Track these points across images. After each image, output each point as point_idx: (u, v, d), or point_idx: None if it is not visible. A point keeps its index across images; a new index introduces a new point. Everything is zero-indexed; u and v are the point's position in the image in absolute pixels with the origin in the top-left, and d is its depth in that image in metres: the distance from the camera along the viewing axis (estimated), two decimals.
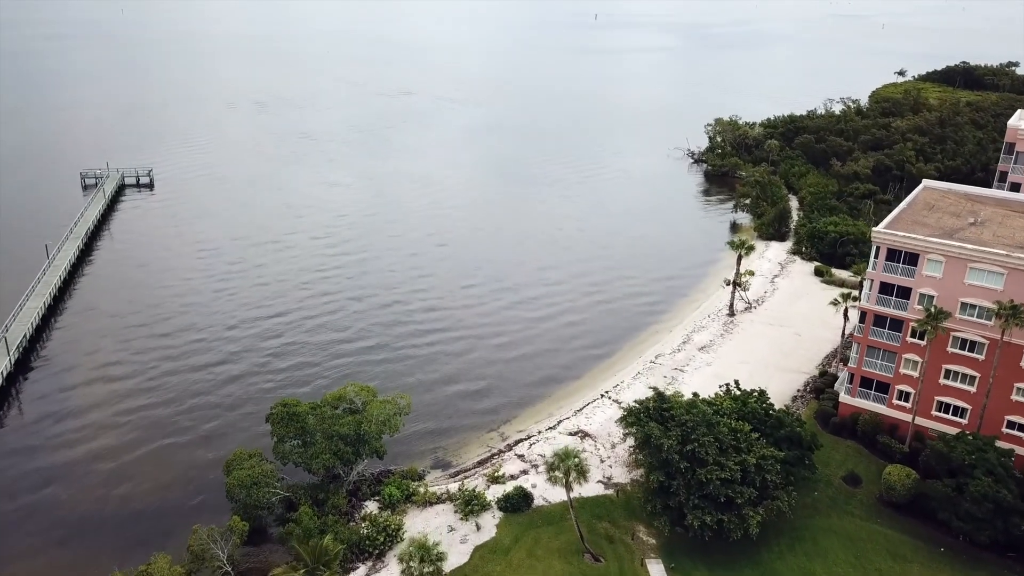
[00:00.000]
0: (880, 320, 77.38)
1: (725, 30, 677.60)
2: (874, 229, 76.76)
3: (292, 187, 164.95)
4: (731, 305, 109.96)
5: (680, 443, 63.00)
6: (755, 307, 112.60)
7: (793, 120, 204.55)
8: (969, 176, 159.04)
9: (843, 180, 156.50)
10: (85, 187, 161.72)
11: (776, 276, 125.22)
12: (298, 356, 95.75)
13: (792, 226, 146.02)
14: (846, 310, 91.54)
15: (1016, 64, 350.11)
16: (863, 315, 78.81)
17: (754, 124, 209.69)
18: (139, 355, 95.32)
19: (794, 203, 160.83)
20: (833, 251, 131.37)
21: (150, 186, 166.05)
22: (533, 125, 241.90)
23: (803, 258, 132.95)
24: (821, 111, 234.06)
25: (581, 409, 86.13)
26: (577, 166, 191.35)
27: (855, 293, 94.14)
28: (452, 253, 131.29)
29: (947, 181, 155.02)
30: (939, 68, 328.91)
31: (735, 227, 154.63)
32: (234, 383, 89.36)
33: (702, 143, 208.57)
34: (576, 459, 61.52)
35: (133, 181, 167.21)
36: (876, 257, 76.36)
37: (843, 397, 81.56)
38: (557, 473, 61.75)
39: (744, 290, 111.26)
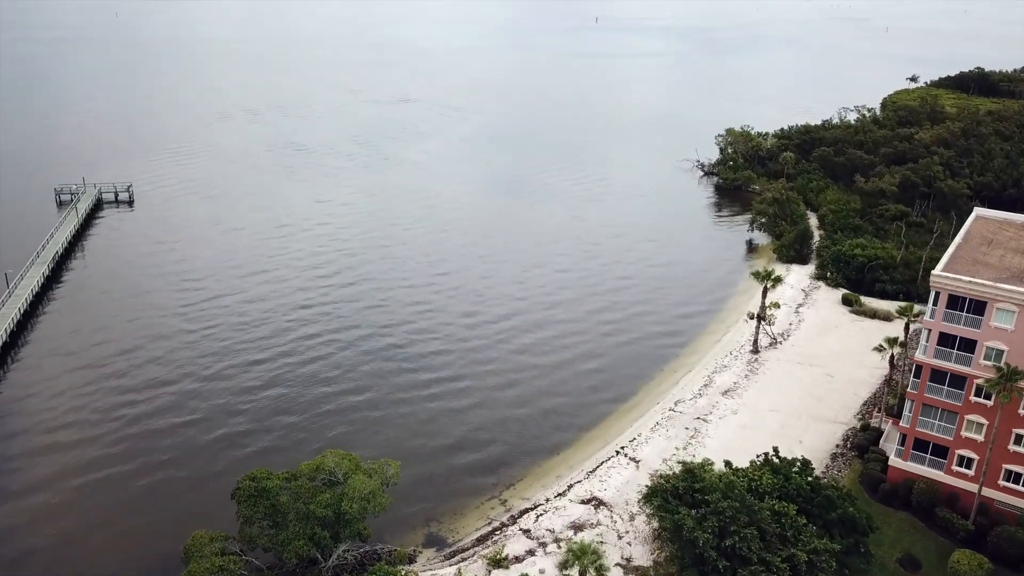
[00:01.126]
0: (938, 375, 67.60)
1: (728, 34, 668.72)
2: (933, 273, 66.95)
3: (284, 206, 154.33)
4: (755, 341, 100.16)
5: (717, 536, 53.21)
6: (780, 342, 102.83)
7: (808, 131, 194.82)
8: (1001, 193, 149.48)
9: (867, 197, 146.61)
10: (60, 203, 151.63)
11: (800, 305, 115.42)
12: (278, 414, 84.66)
13: (814, 247, 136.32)
14: (892, 357, 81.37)
15: None
16: (918, 369, 68.99)
17: (766, 134, 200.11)
18: (98, 415, 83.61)
19: (813, 220, 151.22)
20: (861, 277, 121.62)
21: (129, 203, 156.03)
22: (536, 134, 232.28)
23: (828, 284, 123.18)
24: (835, 120, 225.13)
25: (594, 470, 76.18)
26: (584, 181, 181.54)
27: (900, 337, 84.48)
28: (453, 283, 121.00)
29: (978, 199, 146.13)
30: (952, 74, 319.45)
31: (752, 247, 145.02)
32: (202, 451, 77.83)
33: (711, 154, 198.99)
34: (594, 556, 51.76)
35: (111, 197, 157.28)
36: (935, 304, 66.60)
37: (893, 460, 71.72)
38: (571, 573, 51.97)
39: (769, 324, 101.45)
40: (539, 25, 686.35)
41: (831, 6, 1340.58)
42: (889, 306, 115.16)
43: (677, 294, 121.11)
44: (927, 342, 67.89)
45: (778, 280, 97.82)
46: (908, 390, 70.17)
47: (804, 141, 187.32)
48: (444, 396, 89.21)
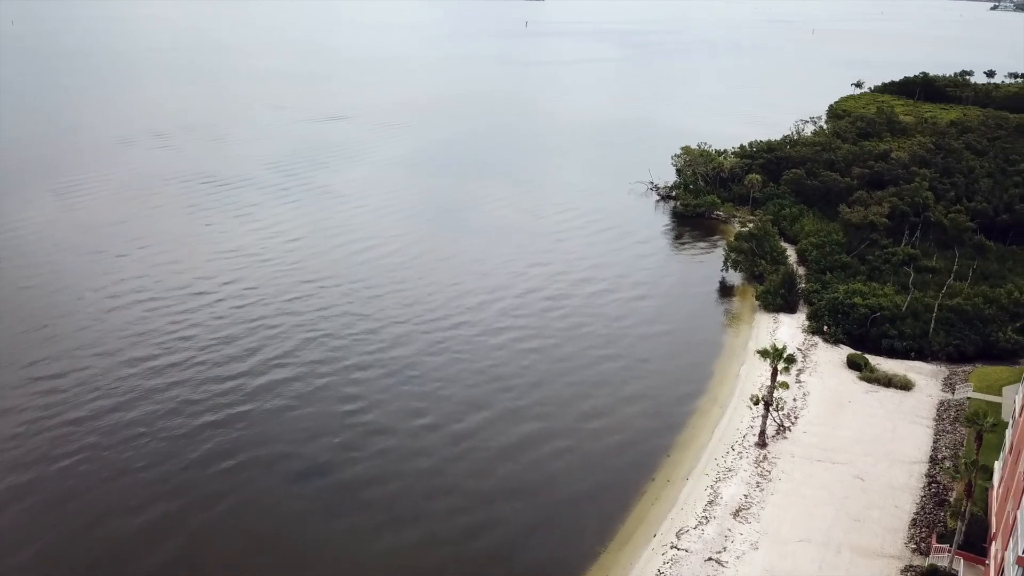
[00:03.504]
0: None
1: (661, 37, 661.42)
2: None
3: (184, 262, 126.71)
4: (762, 432, 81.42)
5: None
6: (789, 428, 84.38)
7: (771, 147, 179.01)
8: (994, 220, 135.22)
9: (855, 230, 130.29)
10: None
11: (800, 371, 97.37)
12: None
13: (799, 289, 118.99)
14: (969, 485, 61.66)
15: (971, 73, 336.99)
16: None
17: (726, 152, 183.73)
18: None
19: (790, 253, 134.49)
20: (864, 331, 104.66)
21: None
22: (478, 154, 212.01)
23: (826, 340, 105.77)
24: (792, 133, 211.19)
25: None
26: (536, 210, 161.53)
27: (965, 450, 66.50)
28: (388, 362, 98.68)
29: (971, 225, 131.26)
30: (896, 79, 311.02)
31: (726, 290, 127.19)
32: None
33: (665, 173, 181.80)
34: None
35: None
36: None
37: None
38: None
39: (777, 409, 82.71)
40: (468, 30, 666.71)
41: (753, 8, 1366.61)
42: (902, 367, 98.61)
43: (654, 362, 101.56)
44: None
45: (791, 360, 78.96)
46: (1020, 555, 51.33)
47: (769, 160, 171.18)
48: (383, 530, 67.57)
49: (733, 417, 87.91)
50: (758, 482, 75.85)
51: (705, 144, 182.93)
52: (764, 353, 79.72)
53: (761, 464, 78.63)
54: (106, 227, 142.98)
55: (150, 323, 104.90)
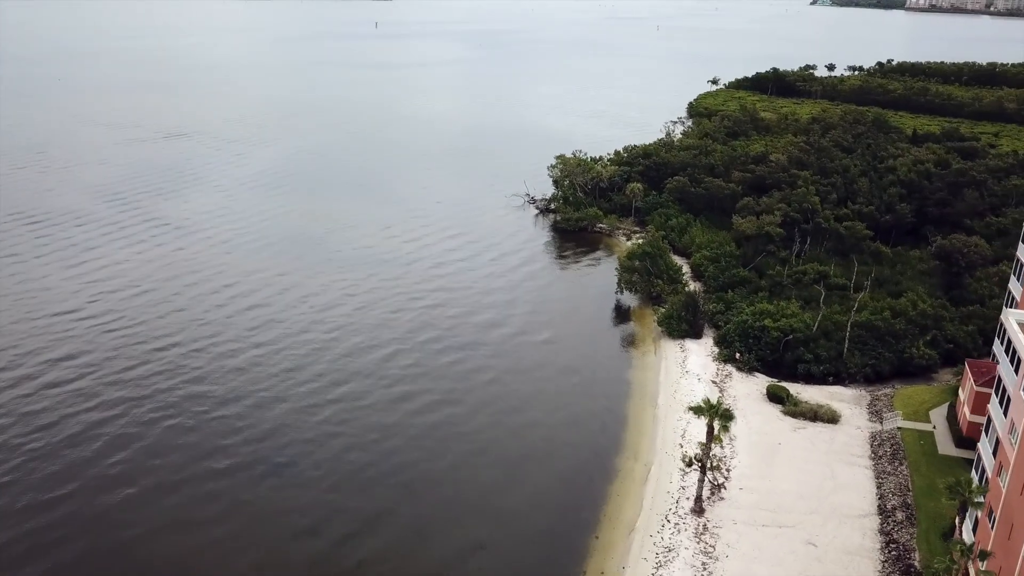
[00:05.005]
0: None
1: (514, 36, 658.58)
2: None
3: None
4: (698, 498, 71.01)
5: None
6: (724, 486, 74.48)
7: (648, 153, 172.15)
8: (878, 221, 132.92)
9: (748, 241, 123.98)
10: None
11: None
12: None
13: (701, 308, 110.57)
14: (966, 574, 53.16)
15: (814, 67, 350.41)
16: None
17: (602, 159, 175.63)
18: None
19: (684, 268, 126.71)
20: (778, 356, 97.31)
21: None
22: (337, 169, 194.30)
23: (739, 368, 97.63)
24: (662, 134, 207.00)
25: None
26: (402, 232, 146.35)
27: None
28: (256, 455, 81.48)
29: (868, 233, 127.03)
30: (749, 75, 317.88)
31: (622, 313, 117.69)
32: None
33: (540, 182, 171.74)
34: None
35: None
36: None
37: None
38: None
39: (713, 469, 72.38)
40: (316, 31, 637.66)
41: (596, 5, 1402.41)
42: (822, 395, 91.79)
43: (561, 410, 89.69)
44: None
45: (729, 418, 68.67)
46: None
47: (648, 167, 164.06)
48: None
49: (660, 477, 77.15)
50: (703, 563, 65.15)
51: (580, 152, 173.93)
52: (698, 410, 69.16)
53: (703, 537, 68.07)
54: None
55: None
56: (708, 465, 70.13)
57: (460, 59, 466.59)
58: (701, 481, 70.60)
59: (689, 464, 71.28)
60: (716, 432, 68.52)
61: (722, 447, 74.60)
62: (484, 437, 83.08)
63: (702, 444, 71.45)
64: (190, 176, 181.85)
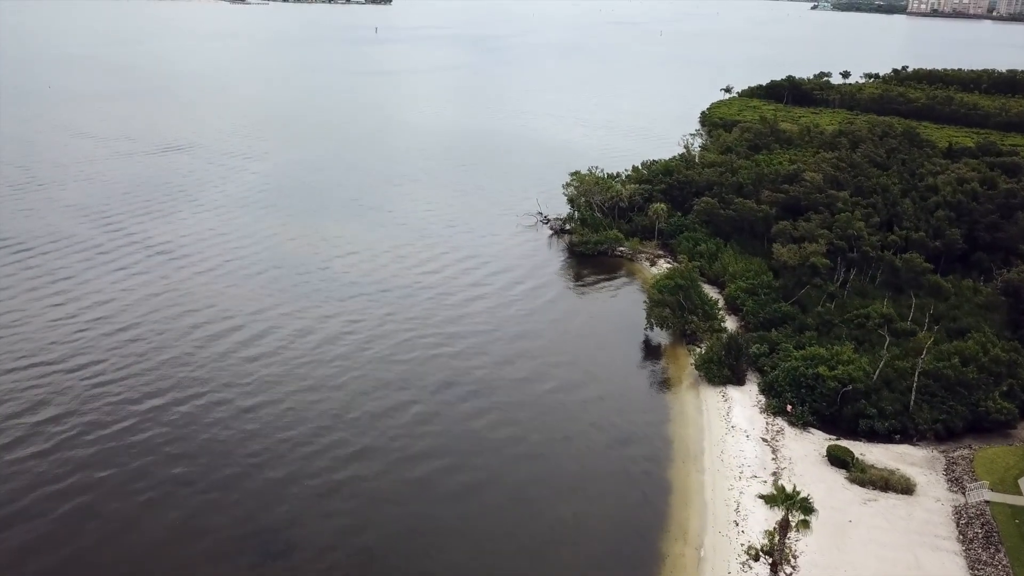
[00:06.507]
0: None
1: (514, 41, 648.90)
2: None
3: None
4: None
5: None
6: None
7: (669, 171, 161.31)
8: (927, 250, 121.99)
9: (789, 271, 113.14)
10: None
11: (775, 474, 77.45)
12: None
13: (745, 352, 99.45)
14: None
15: (829, 74, 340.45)
16: None
17: (620, 176, 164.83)
18: None
19: (718, 299, 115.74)
20: (836, 410, 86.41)
21: None
22: (336, 184, 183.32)
23: (791, 423, 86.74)
24: (680, 148, 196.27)
25: None
26: (410, 255, 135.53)
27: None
28: (257, 534, 70.71)
29: (928, 267, 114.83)
30: (763, 83, 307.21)
31: (653, 352, 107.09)
32: None
33: (553, 198, 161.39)
34: None
35: None
36: None
37: None
38: None
39: (788, 563, 61.36)
40: (315, 36, 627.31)
41: (593, 8, 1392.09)
42: (889, 456, 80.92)
43: (596, 480, 78.66)
44: None
45: (808, 511, 57.76)
46: None
47: (670, 186, 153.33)
48: None
49: (716, 565, 66.21)
50: None
51: (596, 168, 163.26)
52: (771, 499, 58.56)
53: None
54: None
55: None
56: (782, 561, 59.29)
57: (461, 65, 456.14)
58: None
59: (756, 558, 60.42)
60: (793, 525, 57.63)
61: (800, 533, 63.58)
62: (508, 517, 72.10)
63: (768, 533, 60.75)
64: (179, 193, 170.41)
